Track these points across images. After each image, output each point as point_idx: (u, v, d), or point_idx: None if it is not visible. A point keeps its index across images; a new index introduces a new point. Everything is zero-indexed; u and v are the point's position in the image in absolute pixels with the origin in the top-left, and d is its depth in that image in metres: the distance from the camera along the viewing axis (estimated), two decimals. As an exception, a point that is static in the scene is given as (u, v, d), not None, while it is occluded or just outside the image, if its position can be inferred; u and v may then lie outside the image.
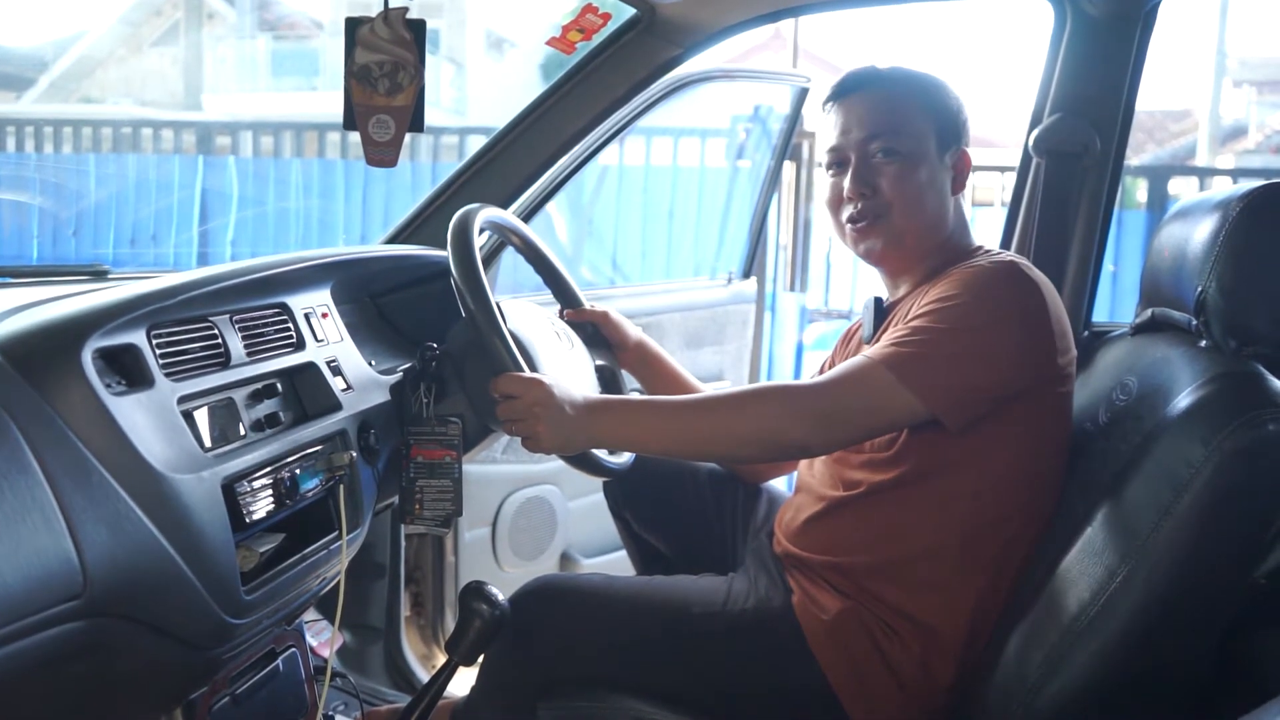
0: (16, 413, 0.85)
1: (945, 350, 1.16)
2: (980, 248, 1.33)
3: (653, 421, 1.24)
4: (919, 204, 1.29)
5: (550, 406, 1.21)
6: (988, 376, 1.17)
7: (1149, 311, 1.31)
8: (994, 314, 1.18)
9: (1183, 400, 1.09)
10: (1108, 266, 1.73)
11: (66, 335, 0.94)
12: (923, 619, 1.22)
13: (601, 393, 1.54)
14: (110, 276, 1.48)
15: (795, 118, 2.53)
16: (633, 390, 1.64)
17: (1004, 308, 1.19)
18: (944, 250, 1.31)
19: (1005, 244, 1.71)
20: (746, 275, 2.72)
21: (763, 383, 1.16)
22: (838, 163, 1.32)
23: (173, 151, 5.80)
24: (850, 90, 1.32)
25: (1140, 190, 5.21)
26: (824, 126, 1.35)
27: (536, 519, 2.15)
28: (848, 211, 1.31)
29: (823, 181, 1.36)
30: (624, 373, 1.62)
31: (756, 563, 1.38)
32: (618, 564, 1.77)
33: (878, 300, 1.38)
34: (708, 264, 3.57)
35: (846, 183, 1.30)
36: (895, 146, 1.28)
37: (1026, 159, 1.67)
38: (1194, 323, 1.15)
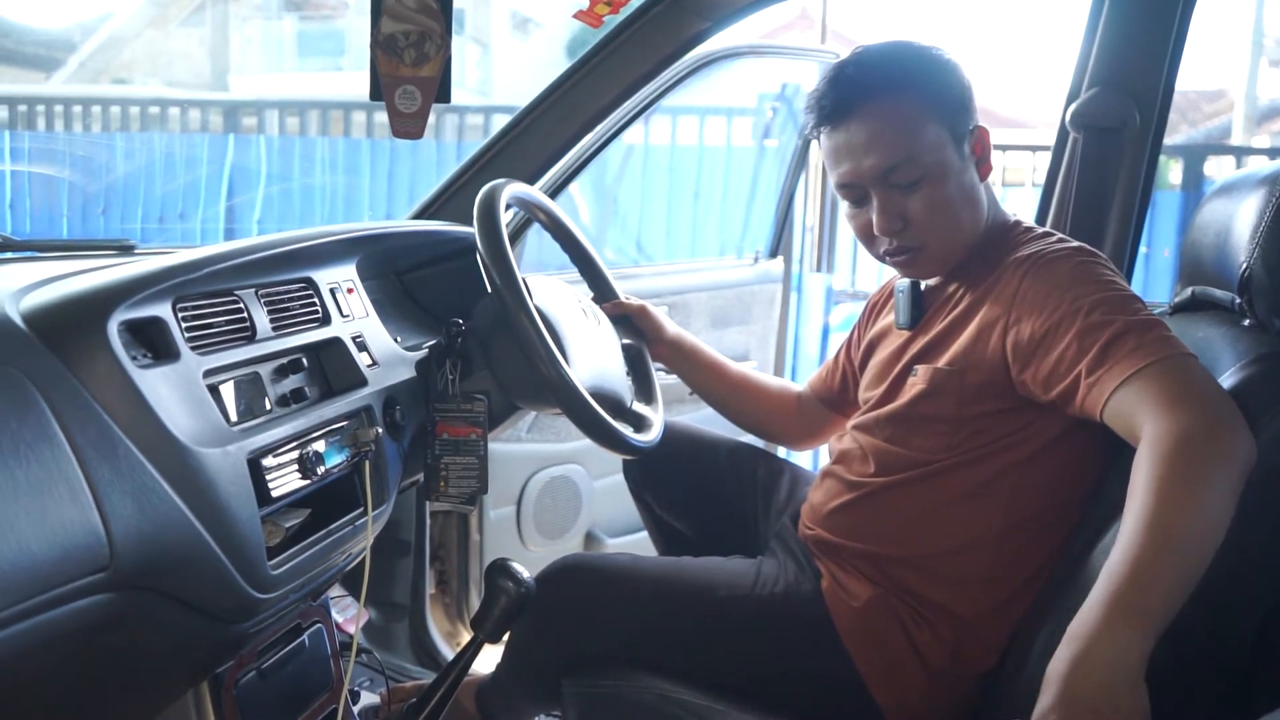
0: (42, 384, 0.84)
1: (1146, 312, 1.08)
2: (1019, 223, 1.28)
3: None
4: (955, 223, 1.22)
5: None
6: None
7: (1189, 290, 1.27)
8: (1121, 281, 1.14)
9: (1225, 381, 1.05)
10: (1140, 248, 1.69)
11: (92, 307, 0.94)
12: (955, 609, 1.20)
13: (627, 372, 1.52)
14: (136, 251, 1.48)
15: (824, 95, 2.50)
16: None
17: (1118, 276, 1.15)
18: (985, 236, 1.26)
19: (1040, 221, 1.68)
20: (773, 255, 2.70)
21: (1190, 467, 0.94)
22: (856, 199, 1.23)
23: (200, 130, 5.82)
24: (843, 115, 1.19)
25: (1174, 171, 5.09)
26: (824, 151, 1.23)
27: (561, 498, 2.15)
28: (883, 245, 1.24)
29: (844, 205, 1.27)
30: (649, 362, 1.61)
31: (783, 546, 1.36)
32: (643, 544, 1.76)
33: (914, 283, 1.31)
34: (734, 244, 3.54)
35: (874, 217, 1.21)
36: (917, 174, 1.18)
37: (1063, 134, 1.64)
38: (1237, 301, 1.12)
